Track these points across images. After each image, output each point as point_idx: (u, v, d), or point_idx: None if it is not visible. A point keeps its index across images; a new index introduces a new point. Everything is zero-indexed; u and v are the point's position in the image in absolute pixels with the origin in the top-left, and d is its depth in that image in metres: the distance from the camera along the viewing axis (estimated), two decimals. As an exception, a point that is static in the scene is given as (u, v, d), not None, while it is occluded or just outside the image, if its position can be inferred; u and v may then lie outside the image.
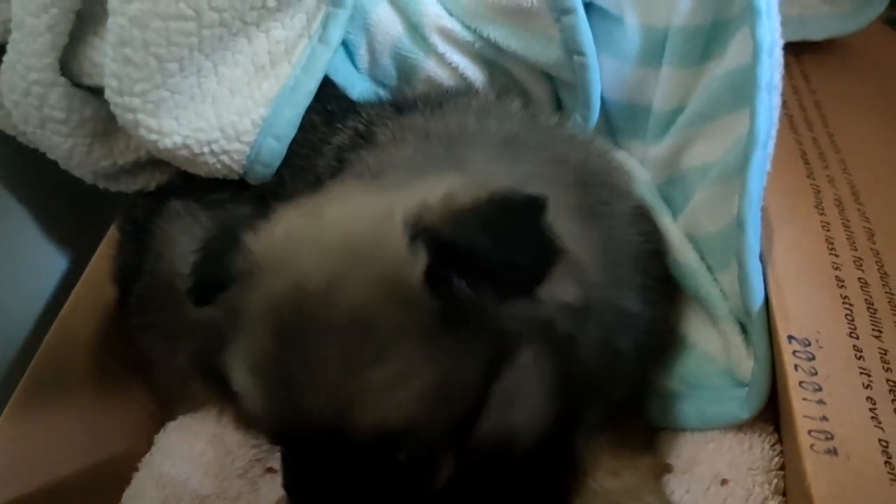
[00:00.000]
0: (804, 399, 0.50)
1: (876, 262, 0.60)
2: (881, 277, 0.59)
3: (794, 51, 0.78)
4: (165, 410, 0.84)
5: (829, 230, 0.62)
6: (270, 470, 0.81)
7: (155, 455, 0.80)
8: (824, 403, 0.50)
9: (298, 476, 0.50)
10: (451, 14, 0.75)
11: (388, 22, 0.76)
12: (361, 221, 0.48)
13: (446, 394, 0.45)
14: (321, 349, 0.44)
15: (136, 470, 0.79)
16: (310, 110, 0.74)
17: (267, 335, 0.46)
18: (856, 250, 0.61)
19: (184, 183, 0.77)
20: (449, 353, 0.45)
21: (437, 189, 0.47)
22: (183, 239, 0.75)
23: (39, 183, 0.85)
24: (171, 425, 0.83)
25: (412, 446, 0.46)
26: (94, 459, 0.77)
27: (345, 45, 0.77)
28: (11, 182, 0.83)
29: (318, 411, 0.44)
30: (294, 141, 0.73)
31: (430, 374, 0.44)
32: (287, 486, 0.51)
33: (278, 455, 0.82)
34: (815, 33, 0.77)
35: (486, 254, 0.42)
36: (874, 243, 0.61)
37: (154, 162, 0.79)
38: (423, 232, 0.44)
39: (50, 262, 0.88)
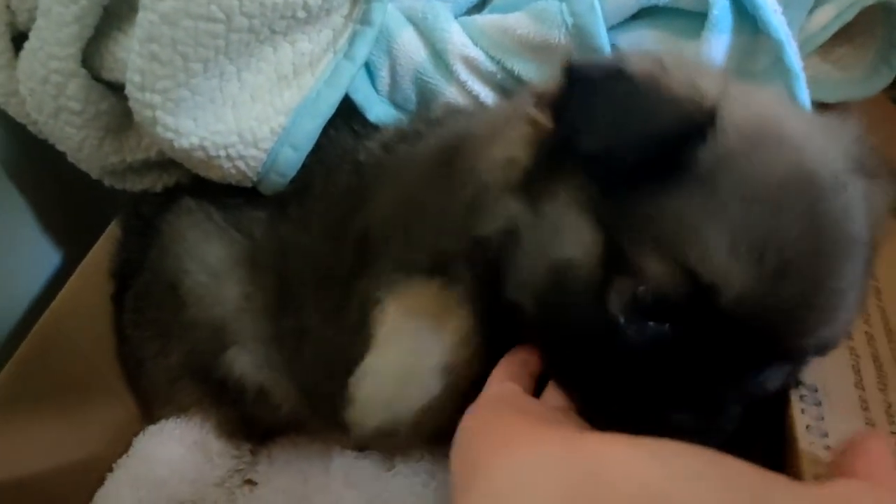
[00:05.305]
0: (811, 443, 0.50)
1: (882, 319, 0.61)
2: (887, 334, 0.59)
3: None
4: (146, 412, 0.83)
5: (836, 283, 0.63)
6: (249, 482, 0.80)
7: (132, 457, 0.79)
8: (831, 449, 0.50)
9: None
10: (476, 44, 0.75)
11: (412, 47, 0.76)
12: None
13: None
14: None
15: (111, 471, 0.78)
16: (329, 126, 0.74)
17: (790, 226, 0.45)
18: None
19: (197, 185, 0.76)
20: None
21: None
22: (193, 235, 0.74)
23: (36, 179, 0.84)
24: (151, 429, 0.81)
25: None
26: (74, 456, 0.75)
27: (367, 67, 0.78)
28: (6, 177, 0.82)
29: (813, 311, 0.45)
30: (313, 152, 0.73)
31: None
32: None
33: (258, 468, 0.81)
34: (829, 95, 0.79)
35: None
36: (881, 300, 0.62)
37: (162, 163, 0.78)
38: None
39: (43, 258, 0.87)
